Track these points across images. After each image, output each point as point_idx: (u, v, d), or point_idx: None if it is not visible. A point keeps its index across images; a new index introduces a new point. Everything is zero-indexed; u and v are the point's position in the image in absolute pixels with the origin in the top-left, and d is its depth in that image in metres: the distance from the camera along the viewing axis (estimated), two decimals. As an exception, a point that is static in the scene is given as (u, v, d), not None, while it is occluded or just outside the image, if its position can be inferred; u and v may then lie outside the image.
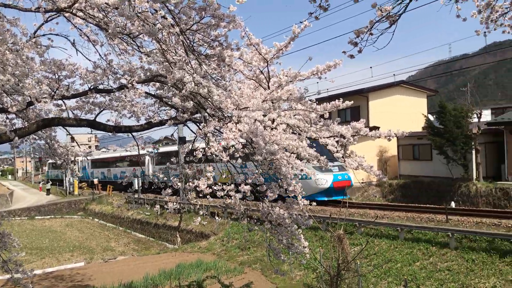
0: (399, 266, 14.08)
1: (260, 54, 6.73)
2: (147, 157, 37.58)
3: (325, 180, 22.31)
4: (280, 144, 6.11)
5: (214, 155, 4.93)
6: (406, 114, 30.23)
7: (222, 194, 4.98)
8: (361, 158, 8.11)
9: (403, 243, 15.21)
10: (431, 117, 28.96)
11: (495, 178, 23.83)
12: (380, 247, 15.61)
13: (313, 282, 13.12)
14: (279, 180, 5.92)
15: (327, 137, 7.63)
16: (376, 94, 30.42)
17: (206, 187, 4.69)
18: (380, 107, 29.80)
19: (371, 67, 29.48)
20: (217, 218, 19.87)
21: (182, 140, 23.29)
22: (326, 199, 22.75)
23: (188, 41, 5.65)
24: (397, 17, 3.46)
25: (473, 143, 23.15)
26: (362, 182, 27.62)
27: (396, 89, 31.30)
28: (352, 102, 8.07)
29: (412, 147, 28.19)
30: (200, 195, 5.35)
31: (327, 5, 4.45)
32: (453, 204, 21.13)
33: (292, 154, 6.40)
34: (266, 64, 6.82)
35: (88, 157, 49.14)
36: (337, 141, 7.76)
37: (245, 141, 5.41)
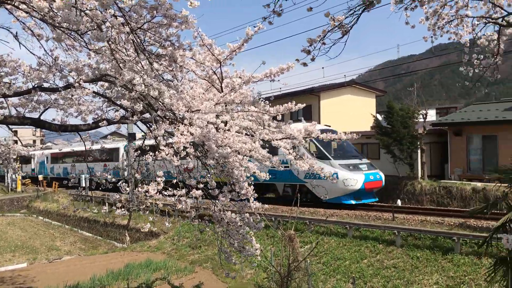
0: (347, 263, 14.39)
1: (213, 55, 6.66)
2: (121, 151, 34.15)
3: (355, 180, 19.27)
4: (233, 147, 6.06)
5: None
6: (356, 113, 30.93)
7: (173, 200, 4.86)
8: (313, 160, 8.20)
9: (351, 241, 15.56)
10: (379, 117, 29.78)
11: (439, 177, 24.80)
12: (329, 245, 15.90)
13: (264, 282, 13.18)
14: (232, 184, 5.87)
15: (280, 139, 7.70)
16: (327, 94, 30.96)
17: (156, 193, 4.56)
18: (331, 107, 30.34)
19: (323, 68, 29.93)
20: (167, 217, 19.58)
21: (131, 136, 22.69)
22: (354, 202, 19.74)
23: (138, 40, 5.48)
24: (349, 28, 3.48)
25: (418, 143, 23.98)
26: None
27: (346, 89, 31.96)
28: (304, 104, 8.15)
29: (361, 146, 28.84)
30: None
31: (281, 10, 4.42)
32: (399, 202, 21.82)
33: (245, 157, 6.37)
34: (219, 64, 6.76)
35: (46, 151, 46.42)
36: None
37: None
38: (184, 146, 4.83)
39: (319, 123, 27.69)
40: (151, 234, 23.02)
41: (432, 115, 38.04)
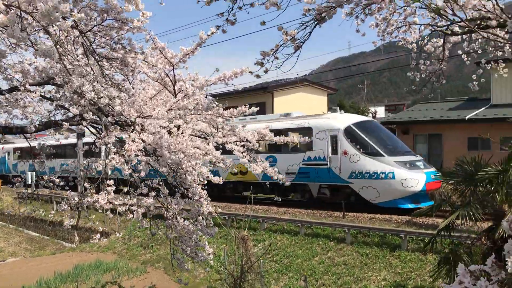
0: (299, 261, 14.63)
1: (166, 58, 6.58)
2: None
3: (416, 180, 16.10)
4: (186, 152, 6.01)
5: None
6: (309, 111, 31.39)
7: (124, 209, 4.76)
8: (267, 162, 8.28)
9: (303, 239, 15.81)
10: (331, 115, 30.29)
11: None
12: (282, 242, 16.10)
13: (217, 284, 13.18)
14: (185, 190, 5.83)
15: (234, 142, 7.71)
16: (281, 92, 31.24)
17: (106, 202, 4.45)
18: (285, 104, 30.62)
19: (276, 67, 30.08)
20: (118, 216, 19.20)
21: (80, 134, 22.00)
22: (412, 206, 16.15)
23: (88, 43, 5.32)
24: (302, 43, 3.53)
25: (368, 141, 24.65)
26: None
27: (299, 87, 32.36)
28: (257, 108, 8.20)
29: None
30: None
31: (235, 19, 4.42)
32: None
33: (198, 162, 6.34)
34: (172, 67, 6.68)
35: (7, 146, 42.84)
36: (243, 145, 7.87)
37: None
38: (135, 154, 4.74)
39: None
40: (101, 234, 22.48)
41: (381, 112, 39.28)
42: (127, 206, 4.74)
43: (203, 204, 6.05)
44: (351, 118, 18.77)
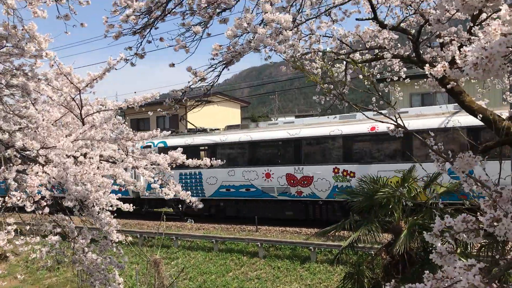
0: (213, 277, 14.64)
1: (72, 83, 6.38)
2: None
3: None
4: (93, 182, 5.84)
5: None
6: (221, 123, 31.62)
7: (26, 249, 4.52)
8: (179, 185, 8.26)
9: (217, 254, 15.86)
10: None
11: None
12: (196, 259, 16.02)
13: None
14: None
15: (144, 166, 7.63)
16: (194, 104, 31.16)
17: (6, 243, 4.21)
18: (199, 117, 30.57)
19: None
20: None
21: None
22: None
23: (-16, 70, 5.03)
24: (211, 85, 3.64)
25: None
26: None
27: (213, 99, 32.50)
28: (169, 132, 8.21)
29: (227, 155, 29.66)
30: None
31: (143, 53, 4.43)
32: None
33: (106, 191, 6.18)
34: (78, 92, 6.50)
35: None
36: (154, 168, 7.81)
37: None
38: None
39: (186, 128, 27.75)
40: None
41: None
42: (29, 245, 4.51)
43: (112, 235, 5.90)
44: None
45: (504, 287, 1.42)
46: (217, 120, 31.41)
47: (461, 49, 1.43)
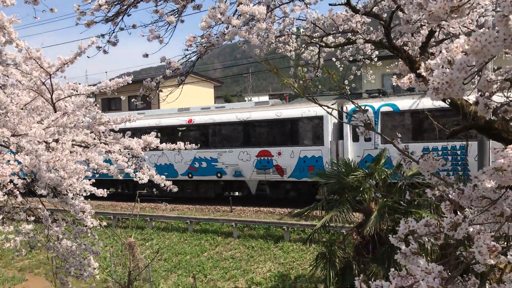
0: (188, 258, 14.78)
1: (42, 68, 6.26)
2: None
3: None
4: (66, 168, 5.81)
5: None
6: (195, 103, 31.44)
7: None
8: (153, 169, 8.26)
9: (192, 235, 15.98)
10: (218, 107, 30.68)
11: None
12: (170, 240, 16.10)
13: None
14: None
15: (118, 151, 7.59)
16: (167, 83, 30.78)
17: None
18: (172, 96, 30.28)
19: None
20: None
21: None
22: None
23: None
24: (186, 75, 3.65)
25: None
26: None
27: (186, 79, 32.20)
28: (142, 115, 8.13)
29: (201, 135, 29.60)
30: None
31: (116, 40, 4.40)
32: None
33: (80, 178, 6.15)
34: (48, 76, 6.39)
35: None
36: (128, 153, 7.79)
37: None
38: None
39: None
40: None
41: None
42: (4, 235, 4.49)
43: (87, 221, 5.91)
44: None
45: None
46: (190, 100, 31.16)
47: (425, 63, 1.51)
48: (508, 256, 1.54)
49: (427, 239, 1.47)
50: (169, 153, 18.17)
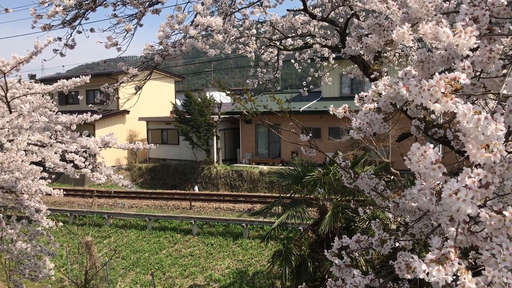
0: (147, 255, 14.73)
1: (-4, 66, 6.15)
2: None
3: None
4: (21, 169, 5.75)
5: None
6: (156, 98, 31.11)
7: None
8: (110, 169, 8.21)
9: (150, 233, 15.92)
10: (178, 102, 30.47)
11: (232, 161, 26.83)
12: (129, 238, 15.98)
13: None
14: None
15: (74, 151, 7.53)
16: (126, 77, 30.31)
17: None
18: (131, 91, 29.86)
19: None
20: None
21: None
22: None
23: None
24: (143, 83, 3.72)
25: (214, 130, 25.51)
26: (113, 166, 27.35)
27: (145, 73, 31.78)
28: (100, 115, 8.09)
29: (160, 131, 29.27)
30: None
31: (74, 43, 4.41)
32: (196, 188, 22.92)
33: (35, 178, 6.09)
34: (3, 75, 6.29)
35: None
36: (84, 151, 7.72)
37: None
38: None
39: (117, 108, 27.09)
40: None
41: (227, 98, 40.35)
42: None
43: (42, 222, 5.88)
44: None
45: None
46: (150, 95, 30.85)
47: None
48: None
49: (357, 254, 1.64)
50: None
